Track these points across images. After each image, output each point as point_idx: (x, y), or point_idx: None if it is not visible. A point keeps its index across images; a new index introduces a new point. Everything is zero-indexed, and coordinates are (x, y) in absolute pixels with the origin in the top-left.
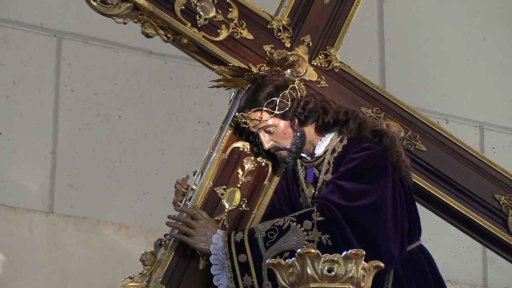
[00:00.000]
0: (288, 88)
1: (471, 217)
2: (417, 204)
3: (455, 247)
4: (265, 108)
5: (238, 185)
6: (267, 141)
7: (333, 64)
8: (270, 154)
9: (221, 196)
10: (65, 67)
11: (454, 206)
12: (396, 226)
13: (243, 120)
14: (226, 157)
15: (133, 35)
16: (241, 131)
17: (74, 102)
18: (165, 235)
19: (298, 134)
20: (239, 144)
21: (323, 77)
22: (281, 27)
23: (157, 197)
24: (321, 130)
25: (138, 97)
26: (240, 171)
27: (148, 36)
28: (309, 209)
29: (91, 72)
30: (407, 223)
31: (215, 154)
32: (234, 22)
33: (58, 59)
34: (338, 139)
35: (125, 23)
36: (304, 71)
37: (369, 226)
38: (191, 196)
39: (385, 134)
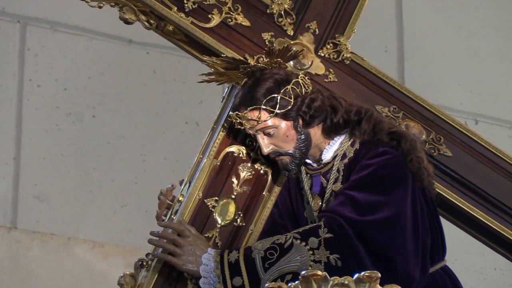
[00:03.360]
0: (291, 83)
1: (504, 234)
2: (441, 218)
3: (486, 269)
4: (263, 107)
5: (233, 197)
6: (266, 145)
7: (343, 55)
8: (269, 160)
9: (213, 209)
10: (30, 59)
11: (484, 221)
12: (417, 244)
13: (238, 121)
14: (218, 163)
15: (109, 21)
16: (236, 134)
17: (40, 99)
18: (147, 254)
19: (303, 136)
20: (233, 148)
21: (331, 70)
22: (282, 12)
23: (138, 210)
24: (330, 132)
25: (115, 94)
26: (234, 180)
27: (127, 22)
28: (315, 224)
29: (60, 65)
30: (430, 240)
31: (205, 160)
32: (228, 6)
33: (22, 49)
34: (349, 142)
35: (100, 7)
36: (310, 63)
37: (385, 244)
38: (178, 209)
39: (404, 137)
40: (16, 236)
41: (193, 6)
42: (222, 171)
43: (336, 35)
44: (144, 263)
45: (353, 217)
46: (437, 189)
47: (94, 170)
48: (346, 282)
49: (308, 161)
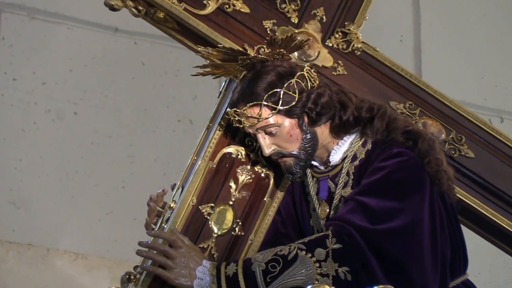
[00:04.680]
0: (295, 77)
1: None
2: (463, 227)
3: None
4: (265, 103)
5: (230, 203)
6: (267, 146)
7: (353, 45)
8: (271, 163)
9: (208, 217)
10: (5, 49)
11: (511, 229)
12: (436, 255)
13: (236, 118)
14: (214, 166)
15: (93, 8)
16: (234, 133)
17: (16, 94)
18: (135, 267)
19: (308, 136)
20: (231, 149)
21: (340, 61)
22: None
23: (125, 218)
24: (338, 131)
25: (99, 88)
26: (232, 184)
27: (113, 8)
28: (322, 233)
29: (39, 56)
30: (450, 251)
31: (200, 162)
32: None
33: None
34: (360, 142)
35: None
36: (316, 54)
37: (400, 255)
38: (169, 217)
39: (421, 137)
40: None
41: None
42: (219, 174)
43: (345, 23)
44: (132, 277)
45: (364, 226)
46: (458, 195)
47: (76, 173)
48: None
49: (314, 163)
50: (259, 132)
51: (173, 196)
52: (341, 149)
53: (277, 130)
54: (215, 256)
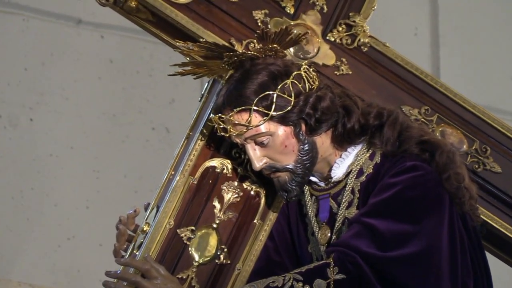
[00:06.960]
0: (291, 77)
1: None
2: (487, 254)
3: None
4: (255, 108)
5: (214, 226)
6: (258, 158)
7: (359, 40)
8: (263, 178)
9: (188, 242)
10: None
11: None
12: (456, 286)
13: (221, 126)
14: (195, 182)
15: None
16: (218, 143)
17: None
18: None
19: (306, 147)
20: (215, 162)
21: (344, 59)
22: None
23: (89, 243)
24: (342, 141)
25: (60, 90)
26: (216, 204)
27: None
28: (322, 262)
29: None
30: (472, 281)
31: (178, 178)
32: None
33: None
34: (368, 155)
35: None
36: (316, 50)
37: (414, 287)
38: (142, 242)
39: (439, 148)
40: None
41: None
42: (200, 192)
43: (350, 14)
44: None
45: (372, 253)
46: (482, 216)
47: (32, 190)
48: None
49: (313, 179)
50: (248, 142)
51: (147, 218)
52: (344, 163)
53: (270, 139)
54: None
